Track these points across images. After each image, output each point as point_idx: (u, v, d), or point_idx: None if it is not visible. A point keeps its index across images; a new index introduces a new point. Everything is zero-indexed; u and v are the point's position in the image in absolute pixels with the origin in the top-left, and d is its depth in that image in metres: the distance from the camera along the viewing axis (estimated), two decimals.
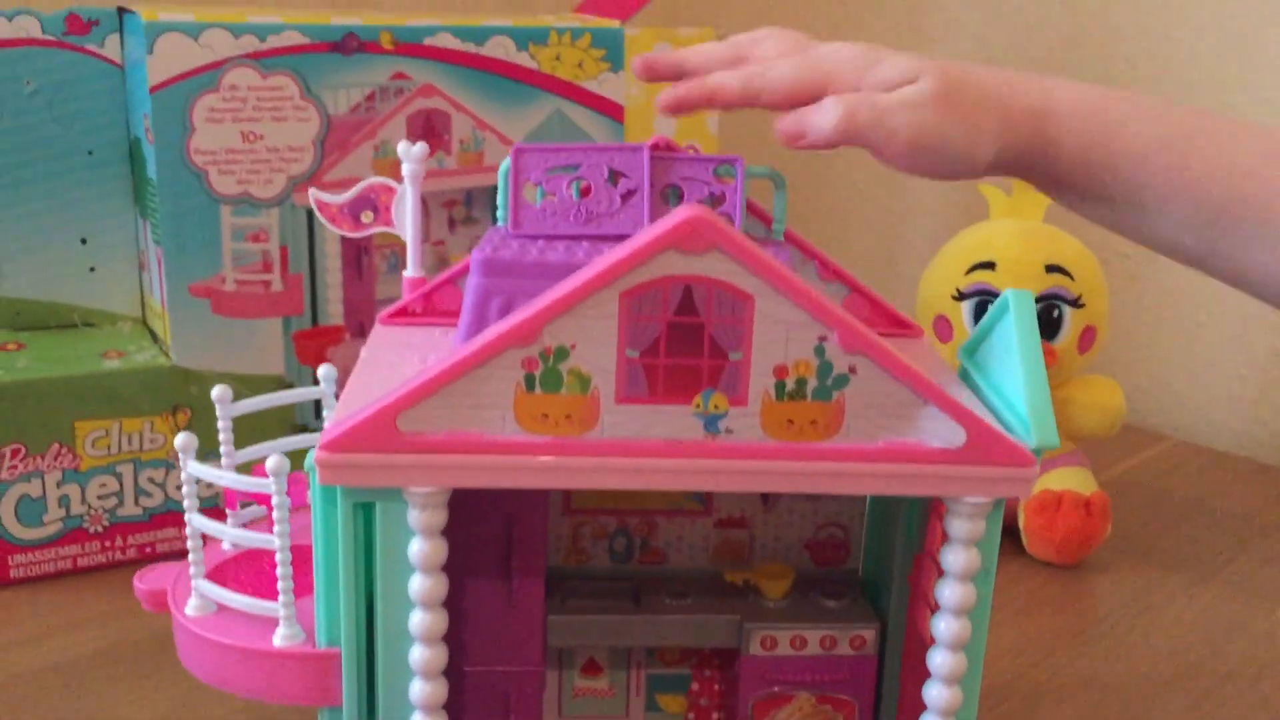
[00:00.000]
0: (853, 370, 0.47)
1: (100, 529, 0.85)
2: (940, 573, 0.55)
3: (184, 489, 0.54)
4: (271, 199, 0.85)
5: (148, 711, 0.70)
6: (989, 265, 0.91)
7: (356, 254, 0.90)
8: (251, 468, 0.59)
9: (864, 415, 0.47)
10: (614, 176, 0.57)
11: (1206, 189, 0.58)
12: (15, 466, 0.82)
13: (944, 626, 0.51)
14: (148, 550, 0.87)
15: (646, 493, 0.65)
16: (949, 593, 0.50)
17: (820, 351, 0.46)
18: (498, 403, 0.47)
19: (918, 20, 1.36)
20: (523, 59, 0.92)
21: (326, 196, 0.62)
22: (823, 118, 0.57)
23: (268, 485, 0.50)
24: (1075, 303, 0.90)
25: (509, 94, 0.92)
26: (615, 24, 0.96)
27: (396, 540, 0.49)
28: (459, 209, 0.94)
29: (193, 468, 0.53)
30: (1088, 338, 0.92)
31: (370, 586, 0.51)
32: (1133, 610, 0.86)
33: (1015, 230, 0.92)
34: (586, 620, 0.62)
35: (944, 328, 0.93)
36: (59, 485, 0.83)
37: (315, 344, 0.90)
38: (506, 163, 0.58)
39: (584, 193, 0.58)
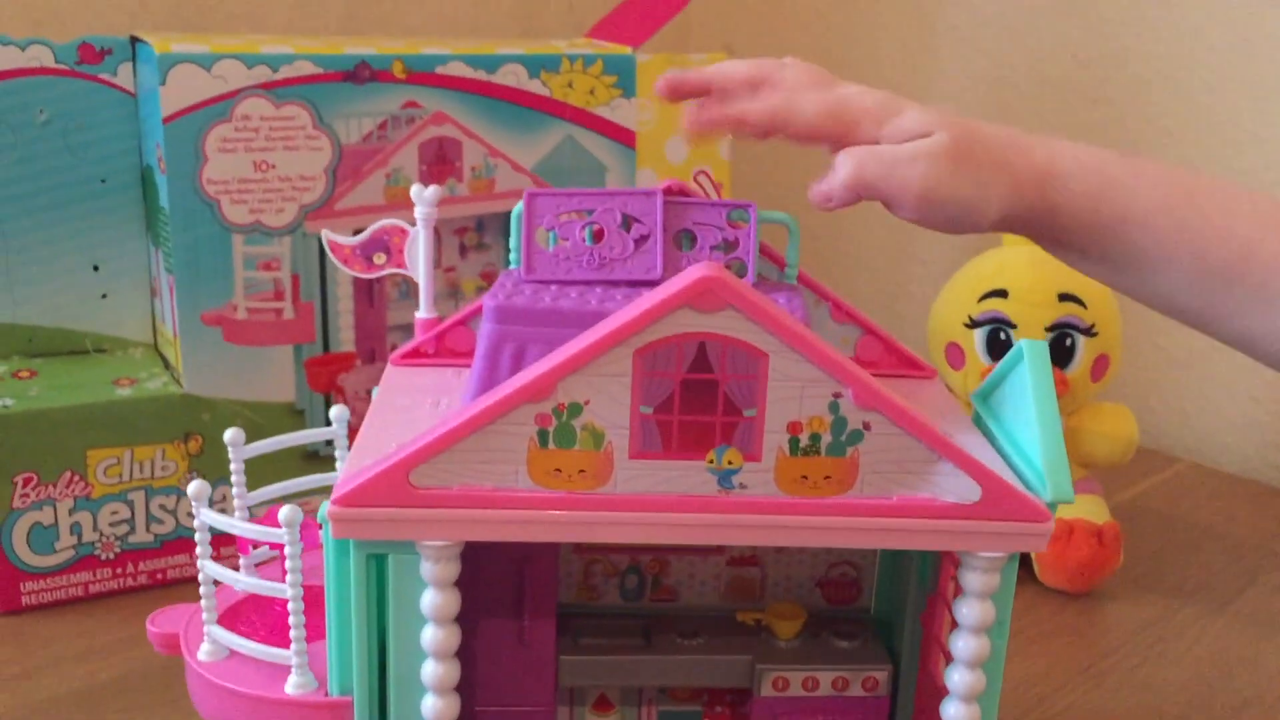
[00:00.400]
0: (867, 426, 0.47)
1: (112, 556, 0.85)
2: (954, 619, 0.56)
3: (197, 535, 0.54)
4: (283, 228, 0.86)
5: None
6: (1002, 293, 0.91)
7: (368, 282, 0.90)
8: (265, 509, 0.59)
9: (878, 470, 0.47)
10: (627, 221, 0.57)
11: (1205, 252, 0.58)
12: (27, 495, 0.82)
13: (958, 678, 0.50)
14: (159, 577, 0.87)
15: None
16: (963, 644, 0.50)
17: (835, 408, 0.46)
18: (511, 458, 0.47)
19: (931, 41, 1.36)
20: (534, 86, 0.92)
21: (339, 238, 0.62)
22: (835, 176, 0.57)
23: (280, 535, 0.50)
24: (1088, 331, 0.90)
25: (521, 121, 0.92)
26: (627, 50, 0.96)
27: (409, 591, 0.49)
28: (470, 235, 0.94)
29: (205, 515, 0.53)
30: (1100, 366, 0.92)
31: (383, 634, 0.51)
32: (1144, 641, 0.86)
33: (1028, 258, 0.92)
34: (598, 661, 0.62)
35: (956, 355, 0.93)
36: (71, 513, 0.83)
37: (327, 371, 0.90)
38: (519, 207, 0.58)
39: (597, 237, 0.58)
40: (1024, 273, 0.91)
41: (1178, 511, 1.08)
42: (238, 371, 0.87)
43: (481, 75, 0.90)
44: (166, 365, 0.90)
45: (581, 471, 0.47)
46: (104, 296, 0.91)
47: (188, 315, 0.84)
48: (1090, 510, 0.92)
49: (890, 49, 1.39)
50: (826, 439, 0.47)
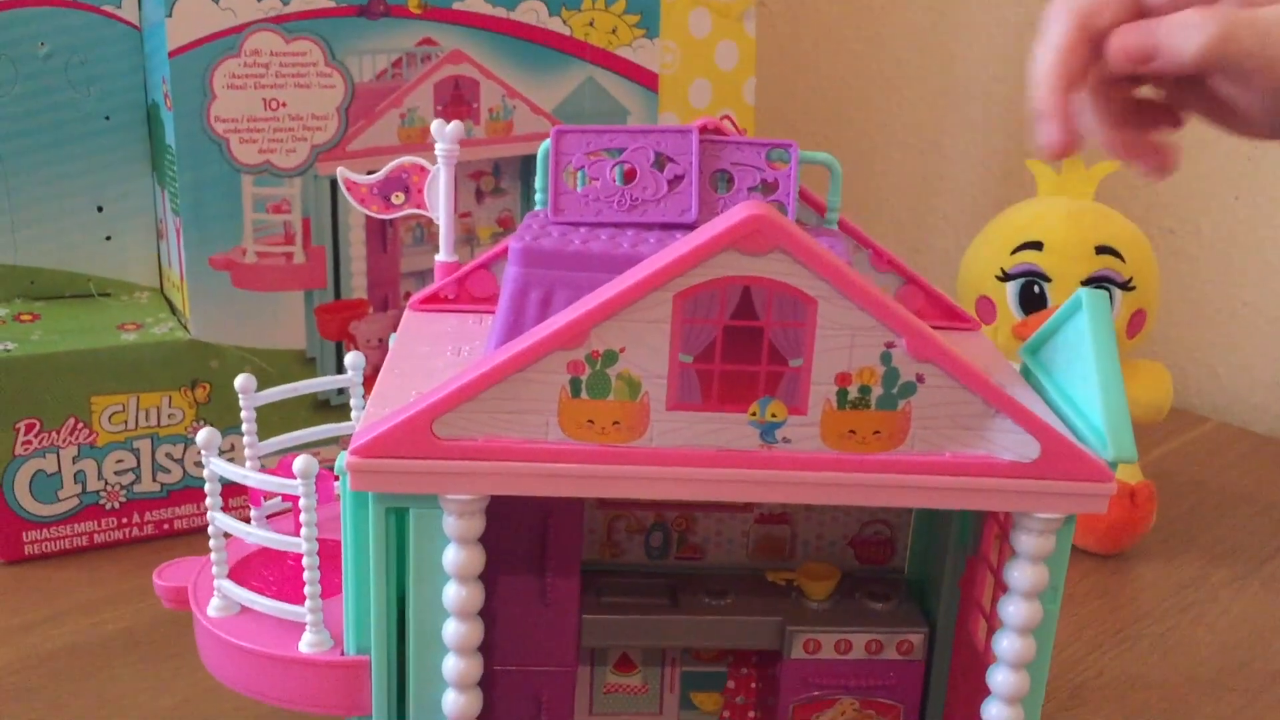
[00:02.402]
0: (920, 379, 0.44)
1: (117, 505, 0.83)
2: (996, 577, 0.53)
3: (207, 485, 0.51)
4: (294, 169, 0.82)
5: (169, 699, 0.68)
6: (1036, 245, 0.88)
7: (381, 226, 0.87)
8: (277, 459, 0.56)
9: (931, 426, 0.44)
10: (660, 161, 0.54)
11: None
12: (30, 442, 0.79)
13: (1006, 644, 0.48)
14: (165, 527, 0.85)
15: None
16: (1013, 610, 0.47)
17: (887, 359, 0.44)
18: (541, 408, 0.44)
19: (941, 23, 1.32)
20: (555, 24, 0.89)
21: (356, 176, 0.59)
22: (1186, 37, 0.47)
23: (294, 486, 0.48)
24: (1125, 285, 0.87)
25: (540, 61, 0.89)
26: None
27: (430, 547, 0.46)
28: (487, 180, 0.91)
29: (215, 465, 0.50)
30: (1137, 322, 0.89)
31: (402, 592, 0.49)
32: (1177, 605, 0.84)
33: (1064, 209, 0.89)
34: (622, 620, 0.60)
35: (987, 309, 0.90)
36: (75, 461, 0.81)
37: (338, 318, 0.87)
38: (546, 144, 0.55)
39: (628, 177, 0.54)
40: (1060, 224, 0.88)
41: (1208, 473, 1.05)
42: (246, 317, 0.84)
43: (500, 12, 0.87)
44: (173, 310, 0.87)
45: (616, 423, 0.44)
46: (108, 238, 0.88)
47: (195, 259, 0.82)
48: (1123, 470, 0.89)
49: (917, 10, 1.35)
50: (877, 391, 0.44)
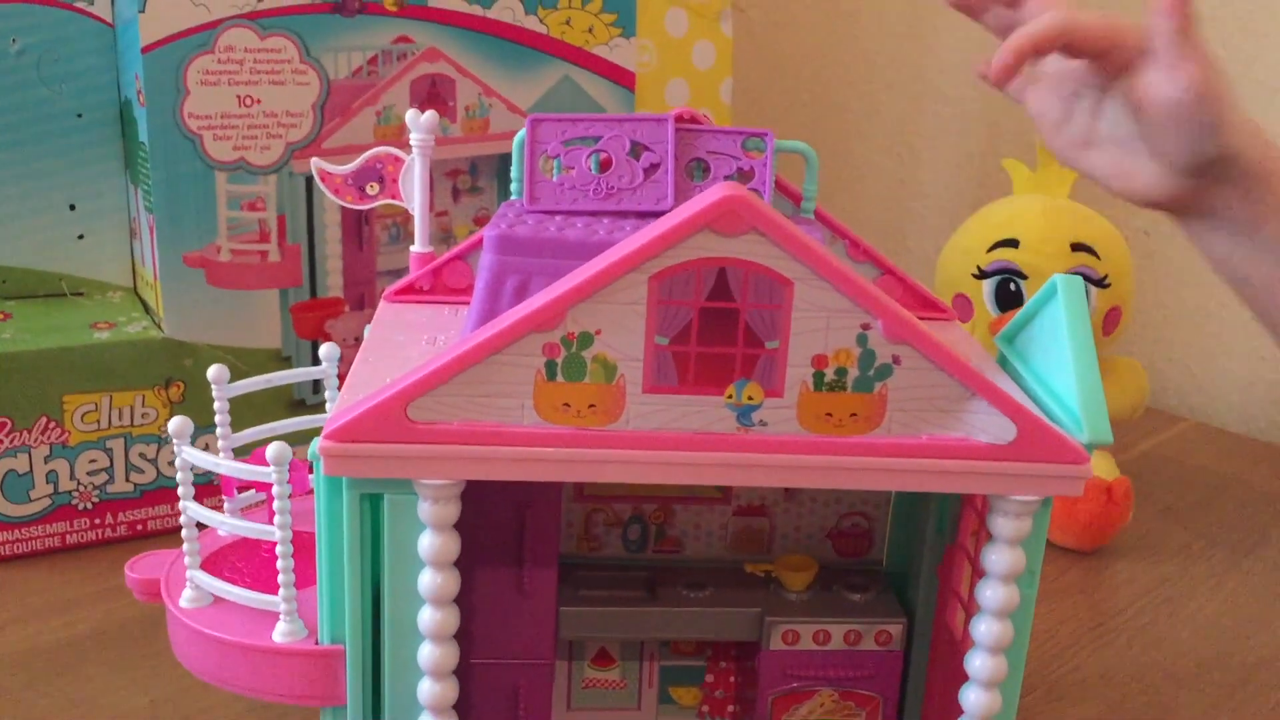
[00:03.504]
0: (896, 360, 0.44)
1: (89, 506, 0.82)
2: (974, 565, 0.53)
3: (179, 475, 0.51)
4: (269, 166, 0.82)
5: (144, 697, 0.68)
6: (1012, 243, 0.88)
7: (357, 224, 0.87)
8: (250, 451, 0.56)
9: (907, 408, 0.44)
10: (636, 149, 0.54)
11: None
12: (1, 441, 0.78)
13: (984, 629, 0.48)
14: (139, 528, 0.84)
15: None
16: (991, 594, 0.47)
17: (863, 340, 0.43)
18: (516, 391, 0.44)
19: (925, 23, 1.32)
20: (531, 23, 0.89)
21: (330, 167, 0.58)
22: (1166, 78, 0.63)
23: (268, 474, 0.47)
24: (1100, 283, 0.88)
25: (516, 59, 0.89)
26: None
27: (405, 534, 0.46)
28: (463, 178, 0.90)
29: (188, 453, 0.50)
30: (1112, 319, 0.89)
31: (376, 580, 0.48)
32: (1155, 600, 0.84)
33: (1040, 207, 0.89)
34: (600, 612, 0.59)
35: (964, 306, 0.90)
36: (46, 461, 0.80)
37: (313, 317, 0.86)
38: (522, 134, 0.55)
39: (604, 166, 0.54)
40: (1036, 222, 0.88)
41: (1184, 470, 1.05)
42: (221, 316, 0.83)
43: (476, 10, 0.86)
44: (146, 310, 0.86)
45: (591, 406, 0.44)
46: (81, 237, 0.87)
47: (169, 256, 0.81)
48: (1099, 466, 0.89)
49: (889, 20, 1.35)
50: (853, 373, 0.44)
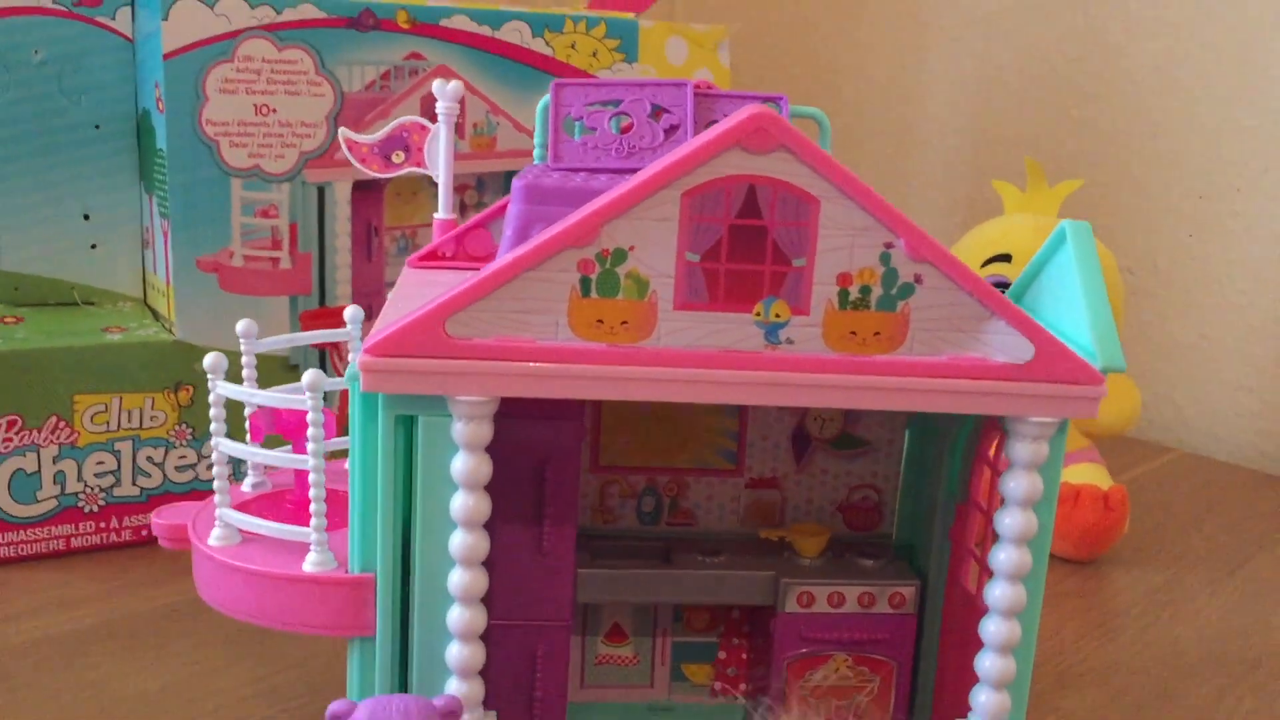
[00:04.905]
0: (918, 279, 0.45)
1: (95, 509, 0.82)
2: (988, 521, 0.54)
3: (212, 411, 0.51)
4: (283, 174, 0.84)
5: (154, 681, 0.67)
6: (1005, 258, 0.91)
7: (366, 235, 0.89)
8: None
9: (928, 328, 0.46)
10: (656, 112, 0.56)
11: None
12: (10, 439, 0.79)
13: (1004, 557, 0.49)
14: (143, 534, 0.84)
15: (676, 447, 0.63)
16: (1009, 521, 0.48)
17: (886, 259, 0.45)
18: (551, 308, 0.45)
19: (920, 41, 1.37)
20: (538, 45, 0.92)
21: (356, 136, 0.60)
22: None
23: (303, 401, 0.48)
24: None
25: (523, 80, 0.91)
26: (630, 15, 0.95)
27: (439, 456, 0.47)
28: (470, 194, 0.92)
29: (222, 388, 0.51)
30: None
31: (405, 514, 0.49)
32: (1155, 603, 0.85)
33: (1032, 224, 0.92)
34: (617, 575, 0.60)
35: None
36: (55, 461, 0.80)
37: (322, 326, 0.87)
38: (545, 99, 0.57)
39: (625, 128, 0.56)
40: (1028, 237, 0.91)
41: (1174, 495, 1.07)
42: (232, 321, 0.82)
43: (485, 31, 0.89)
44: (156, 318, 0.87)
45: (624, 323, 0.45)
46: (94, 247, 0.88)
47: (182, 260, 0.82)
48: (1095, 476, 0.91)
49: (880, 50, 1.40)
50: (877, 292, 0.45)
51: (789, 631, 0.60)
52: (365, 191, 0.88)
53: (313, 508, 0.49)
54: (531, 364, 0.45)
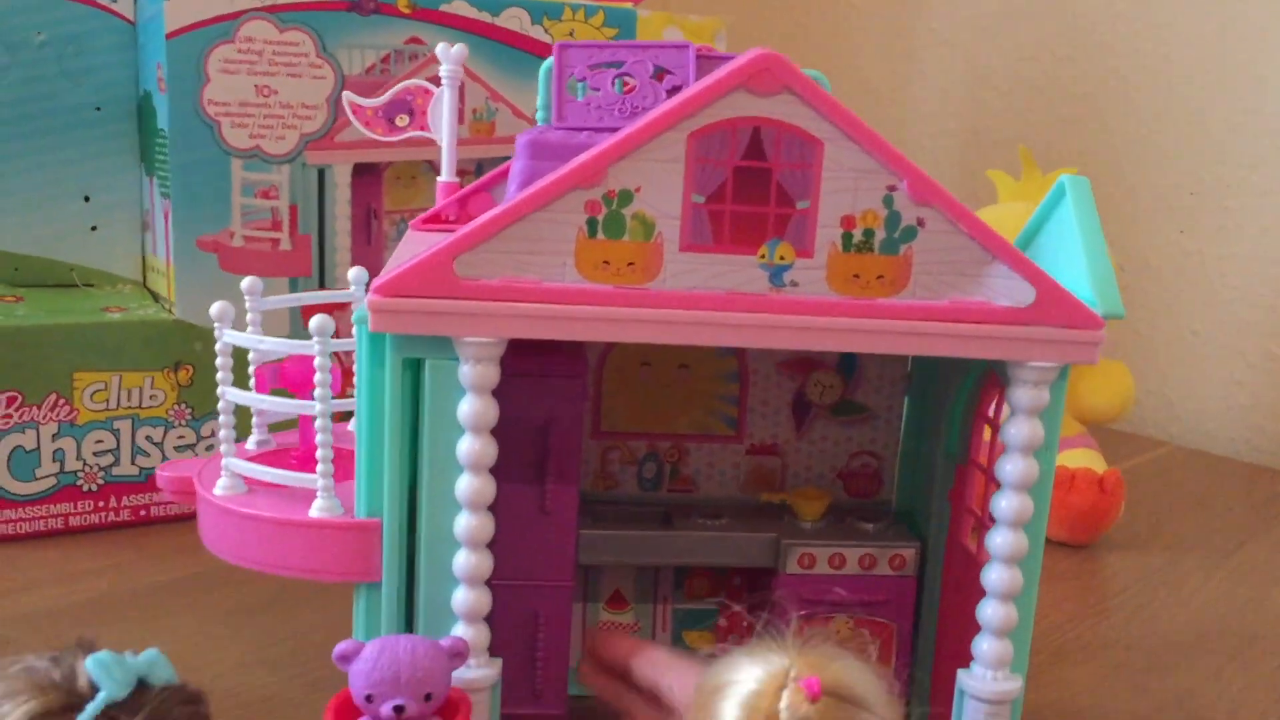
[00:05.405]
0: (921, 223, 0.46)
1: (94, 488, 0.82)
2: (988, 479, 0.54)
3: (219, 360, 0.52)
4: (283, 155, 0.84)
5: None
6: None
7: (366, 218, 0.89)
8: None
9: (931, 271, 0.46)
10: (659, 73, 0.57)
11: None
12: (10, 416, 0.79)
13: (1005, 504, 0.49)
14: (142, 514, 0.84)
15: (677, 413, 0.64)
16: (1010, 467, 0.49)
17: (889, 201, 0.46)
18: (558, 249, 0.45)
19: (910, 43, 1.38)
20: (536, 32, 0.92)
21: (361, 100, 0.61)
22: None
23: (309, 346, 0.48)
24: None
25: (522, 66, 0.92)
26: (628, 4, 0.96)
27: (445, 400, 0.47)
28: (469, 179, 0.93)
29: (229, 336, 0.51)
30: None
31: (411, 461, 0.49)
32: (1150, 585, 0.85)
33: (1025, 212, 0.92)
34: (618, 536, 0.60)
35: None
36: (54, 438, 0.80)
37: (320, 309, 0.88)
38: (549, 61, 0.57)
39: (627, 89, 0.57)
40: (1023, 222, 0.91)
41: (1167, 485, 1.07)
42: (232, 301, 0.84)
43: (485, 17, 0.90)
44: (156, 300, 0.88)
45: (630, 264, 0.46)
46: (93, 229, 0.89)
47: (183, 240, 0.83)
48: (1090, 461, 0.91)
49: (871, 52, 1.41)
50: (880, 235, 0.46)
51: (790, 593, 0.60)
52: (365, 175, 0.89)
53: (319, 454, 0.49)
54: (538, 305, 0.45)
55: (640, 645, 0.56)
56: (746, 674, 0.37)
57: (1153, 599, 0.83)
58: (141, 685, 0.34)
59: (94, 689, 0.34)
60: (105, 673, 0.34)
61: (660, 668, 0.53)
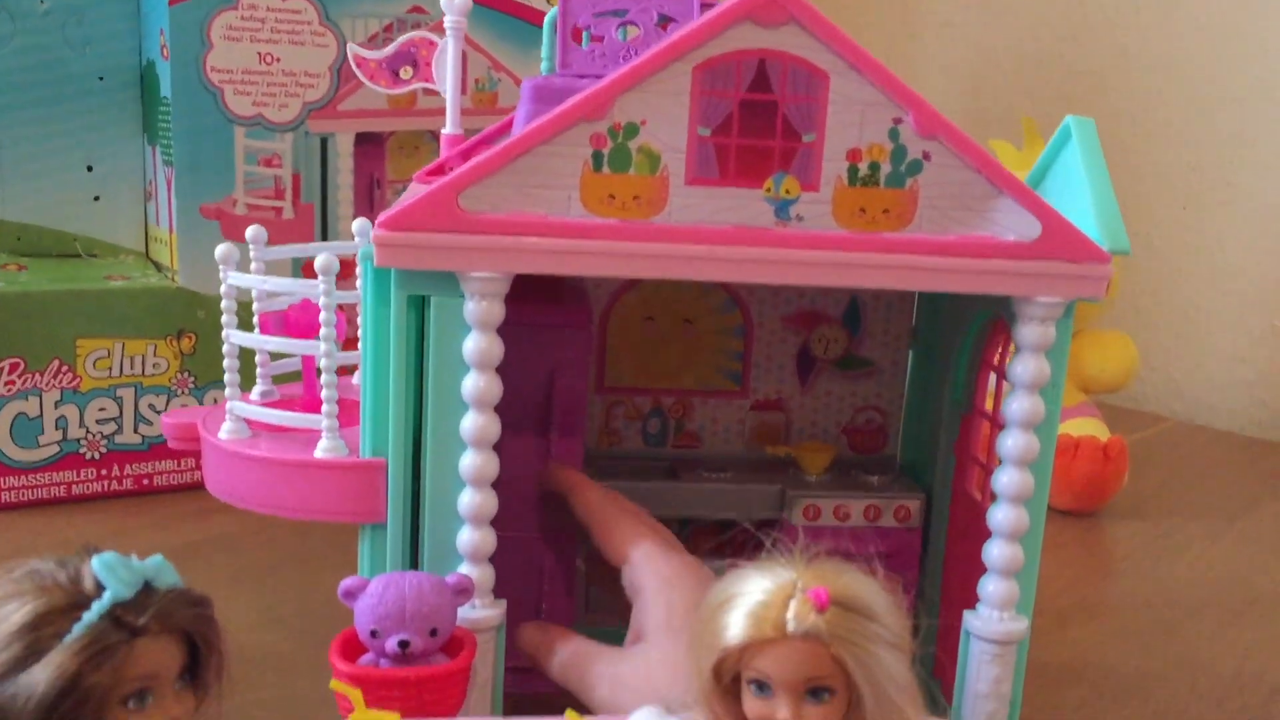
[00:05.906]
0: (927, 157, 0.46)
1: (97, 456, 0.82)
2: (993, 426, 0.54)
3: (224, 304, 0.52)
4: (286, 123, 0.84)
5: None
6: None
7: (369, 187, 0.89)
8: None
9: (937, 206, 0.46)
10: (664, 21, 0.57)
11: None
12: (13, 382, 0.79)
13: (1011, 443, 0.49)
14: (145, 483, 0.84)
15: (681, 368, 0.64)
16: (1017, 405, 0.49)
17: (895, 135, 0.46)
18: (564, 182, 0.45)
19: (913, 27, 1.38)
20: (539, 2, 0.92)
21: (365, 52, 0.61)
22: None
23: (313, 286, 0.48)
24: None
25: (525, 37, 0.92)
26: None
27: (450, 338, 0.47)
28: None
29: (234, 278, 0.51)
30: None
31: (416, 400, 0.49)
32: (1154, 550, 0.85)
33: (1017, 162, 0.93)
34: (624, 488, 0.60)
35: None
36: (57, 405, 0.80)
37: None
38: (553, 11, 0.57)
39: (632, 38, 0.57)
40: None
41: (1172, 458, 1.07)
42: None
43: None
44: (159, 269, 0.88)
45: (636, 198, 0.45)
46: (96, 199, 0.89)
47: (186, 207, 0.83)
48: (1093, 429, 0.91)
49: (874, 36, 1.41)
50: (886, 168, 0.46)
51: (794, 543, 0.60)
52: (368, 144, 0.89)
53: (324, 394, 0.49)
54: (543, 239, 0.45)
55: (584, 483, 0.54)
56: (754, 585, 0.37)
57: (1157, 564, 0.83)
58: (148, 587, 0.34)
59: (100, 589, 0.33)
60: (111, 573, 0.34)
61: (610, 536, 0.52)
